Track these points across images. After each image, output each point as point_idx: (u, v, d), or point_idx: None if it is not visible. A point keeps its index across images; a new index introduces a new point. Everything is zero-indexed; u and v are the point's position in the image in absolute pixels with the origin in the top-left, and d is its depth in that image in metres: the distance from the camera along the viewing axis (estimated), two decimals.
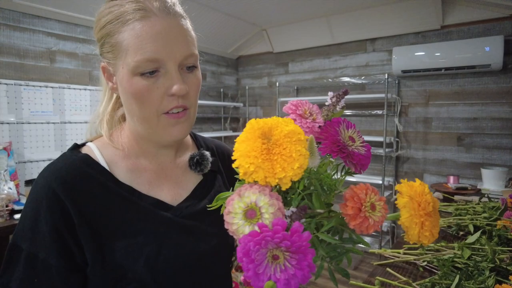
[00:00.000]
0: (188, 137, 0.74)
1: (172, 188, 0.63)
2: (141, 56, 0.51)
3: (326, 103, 0.49)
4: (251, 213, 0.38)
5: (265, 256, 0.36)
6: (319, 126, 0.46)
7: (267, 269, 0.36)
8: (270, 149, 0.39)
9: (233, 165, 0.40)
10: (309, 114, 0.46)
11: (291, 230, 0.35)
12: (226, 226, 0.39)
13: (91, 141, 0.61)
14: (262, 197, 0.38)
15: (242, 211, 0.38)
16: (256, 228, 0.36)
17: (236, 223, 0.38)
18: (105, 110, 0.63)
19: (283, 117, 0.44)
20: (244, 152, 0.39)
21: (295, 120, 0.45)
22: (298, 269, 0.36)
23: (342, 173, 0.46)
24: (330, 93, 0.49)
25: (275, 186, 0.40)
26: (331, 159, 0.45)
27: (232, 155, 0.40)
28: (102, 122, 0.62)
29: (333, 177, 0.44)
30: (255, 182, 0.39)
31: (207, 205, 0.53)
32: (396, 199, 0.44)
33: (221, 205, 0.66)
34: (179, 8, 0.56)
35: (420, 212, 0.41)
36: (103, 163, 0.57)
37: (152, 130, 0.57)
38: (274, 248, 0.35)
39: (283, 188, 0.39)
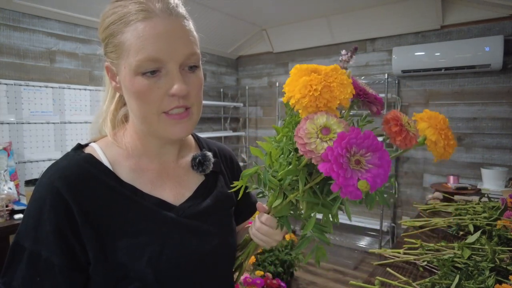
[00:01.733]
0: (191, 138, 0.74)
1: (175, 188, 0.63)
2: (142, 55, 0.51)
3: (340, 59, 0.57)
4: (326, 130, 0.43)
5: (348, 162, 0.41)
6: None
7: (354, 174, 0.40)
8: (325, 79, 0.46)
9: (293, 101, 0.46)
10: None
11: (364, 134, 0.41)
12: (301, 148, 0.44)
13: (94, 142, 0.62)
14: (330, 117, 0.44)
15: (317, 131, 0.43)
16: (331, 144, 0.41)
17: (314, 142, 0.43)
18: (108, 108, 0.64)
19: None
20: (305, 83, 0.46)
21: None
22: (380, 167, 0.41)
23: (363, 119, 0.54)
24: (343, 51, 0.57)
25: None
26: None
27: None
28: (106, 121, 0.63)
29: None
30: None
31: (231, 185, 0.57)
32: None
33: (224, 208, 0.69)
34: (182, 10, 0.57)
35: (442, 126, 0.49)
36: (106, 163, 0.58)
37: (153, 129, 0.57)
38: (356, 153, 0.41)
39: (346, 107, 0.48)
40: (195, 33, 0.58)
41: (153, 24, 0.52)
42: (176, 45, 0.53)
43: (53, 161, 0.57)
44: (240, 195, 0.53)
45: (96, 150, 0.59)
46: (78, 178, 0.54)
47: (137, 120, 0.58)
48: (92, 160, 0.57)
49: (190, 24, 0.58)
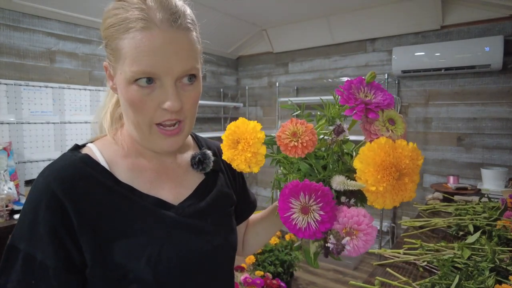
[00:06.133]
0: (190, 137, 0.74)
1: (174, 187, 0.63)
2: (137, 68, 0.51)
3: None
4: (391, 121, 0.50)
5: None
6: None
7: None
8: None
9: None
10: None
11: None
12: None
13: (91, 142, 0.62)
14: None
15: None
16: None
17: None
18: (109, 103, 0.65)
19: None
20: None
21: None
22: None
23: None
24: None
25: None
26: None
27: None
28: (106, 115, 0.63)
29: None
30: None
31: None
32: None
33: (224, 207, 0.67)
34: (186, 19, 0.54)
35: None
36: (103, 163, 0.57)
37: (144, 139, 0.57)
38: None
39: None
40: (197, 45, 0.56)
41: (151, 36, 0.50)
42: (173, 60, 0.51)
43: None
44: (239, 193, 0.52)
45: (93, 150, 0.59)
46: (74, 179, 0.53)
47: (130, 125, 0.58)
48: (89, 161, 0.56)
49: (193, 35, 0.55)
